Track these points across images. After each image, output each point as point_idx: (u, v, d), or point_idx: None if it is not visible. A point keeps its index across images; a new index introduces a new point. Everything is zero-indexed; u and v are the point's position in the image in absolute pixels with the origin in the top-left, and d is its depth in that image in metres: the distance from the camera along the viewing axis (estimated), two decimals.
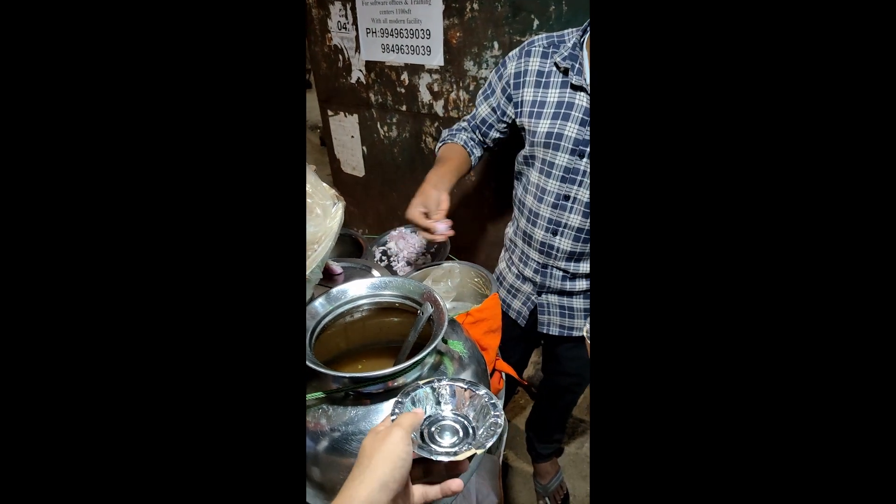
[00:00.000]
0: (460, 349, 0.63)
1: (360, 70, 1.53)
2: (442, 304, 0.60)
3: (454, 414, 0.48)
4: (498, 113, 0.93)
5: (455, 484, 0.43)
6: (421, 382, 0.49)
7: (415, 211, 0.83)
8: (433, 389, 0.49)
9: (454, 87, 1.31)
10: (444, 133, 1.00)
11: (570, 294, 0.96)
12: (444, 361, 0.61)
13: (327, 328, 0.63)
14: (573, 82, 0.79)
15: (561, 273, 0.93)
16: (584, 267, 0.92)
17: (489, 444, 0.43)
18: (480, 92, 0.96)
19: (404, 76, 1.42)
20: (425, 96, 1.40)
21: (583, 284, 0.94)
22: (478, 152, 0.98)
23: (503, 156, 1.15)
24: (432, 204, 0.84)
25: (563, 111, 0.82)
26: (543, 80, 0.84)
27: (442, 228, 0.82)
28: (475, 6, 1.16)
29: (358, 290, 0.65)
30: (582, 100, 0.80)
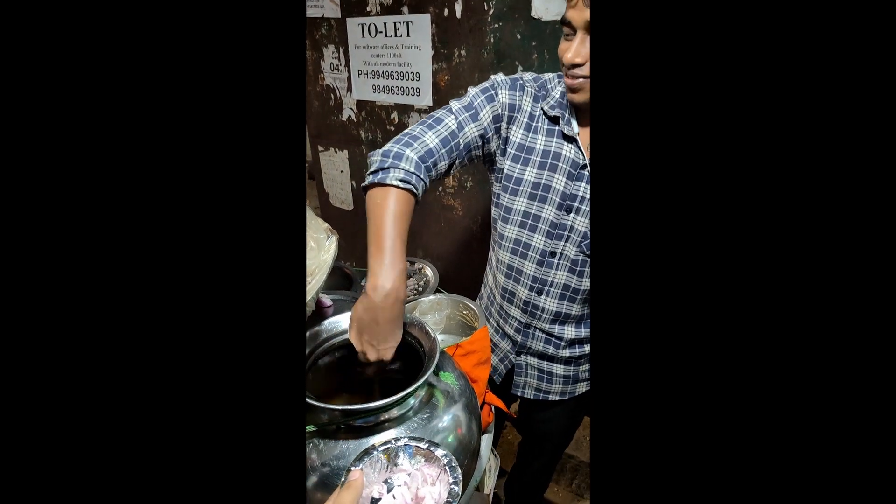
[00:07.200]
0: (452, 381, 0.63)
1: (351, 108, 1.58)
2: (433, 335, 0.61)
3: (408, 476, 0.48)
4: (483, 140, 0.77)
5: None
6: (377, 444, 0.49)
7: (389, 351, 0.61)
8: (388, 451, 0.48)
9: None
10: (397, 172, 0.66)
11: (552, 359, 0.91)
12: (436, 394, 0.61)
13: (318, 361, 0.63)
14: (565, 132, 0.75)
15: (544, 336, 0.88)
16: (570, 332, 0.86)
17: None
18: (457, 109, 0.75)
19: (394, 115, 1.48)
20: None
21: (566, 353, 0.89)
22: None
23: (489, 189, 1.19)
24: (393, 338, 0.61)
25: (549, 161, 0.77)
26: (533, 123, 0.78)
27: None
28: (462, 52, 1.23)
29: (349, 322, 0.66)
30: (570, 151, 0.76)
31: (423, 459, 0.48)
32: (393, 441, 0.49)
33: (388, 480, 0.48)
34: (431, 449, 0.48)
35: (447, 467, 0.46)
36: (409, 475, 0.48)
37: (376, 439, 0.54)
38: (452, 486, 0.45)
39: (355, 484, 0.43)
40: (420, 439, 0.49)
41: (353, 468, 0.46)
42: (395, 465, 0.48)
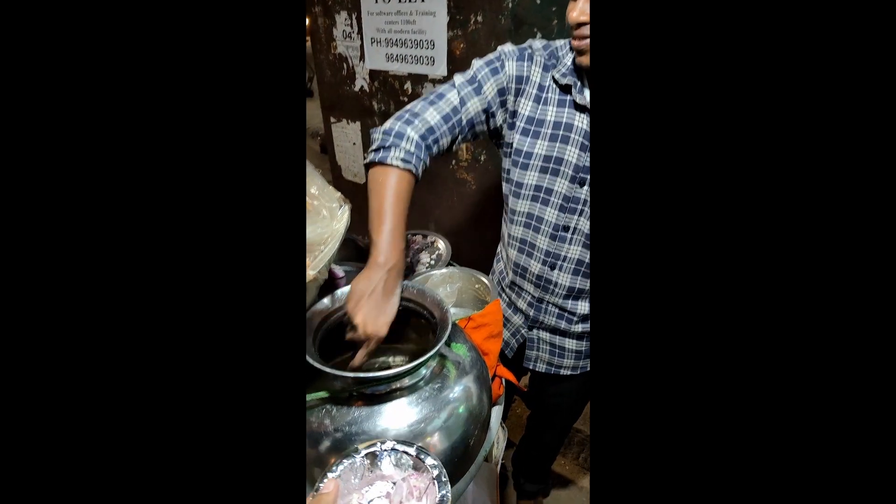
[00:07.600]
0: (463, 353, 0.63)
1: (364, 78, 1.55)
2: (445, 306, 0.61)
3: (392, 486, 0.43)
4: (487, 114, 0.76)
5: None
6: (361, 447, 0.44)
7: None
8: (372, 456, 0.44)
9: None
10: (398, 151, 0.67)
11: (564, 334, 0.91)
12: (447, 365, 0.61)
13: (332, 328, 0.63)
14: (577, 101, 0.72)
15: (557, 311, 0.88)
16: (583, 307, 0.86)
17: None
18: (460, 83, 0.74)
19: (407, 85, 1.45)
20: None
21: (579, 328, 0.89)
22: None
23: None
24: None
25: (561, 133, 0.74)
26: (543, 94, 0.75)
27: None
28: (479, 19, 1.19)
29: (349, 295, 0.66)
30: (582, 122, 0.73)
31: (411, 468, 0.44)
32: (378, 444, 0.44)
33: (369, 490, 0.43)
34: (422, 457, 0.43)
35: (436, 481, 0.41)
36: (393, 485, 0.43)
37: (388, 407, 0.54)
38: (442, 499, 0.40)
39: (325, 499, 0.38)
40: (410, 444, 0.44)
41: (329, 475, 0.41)
42: (380, 470, 0.44)
